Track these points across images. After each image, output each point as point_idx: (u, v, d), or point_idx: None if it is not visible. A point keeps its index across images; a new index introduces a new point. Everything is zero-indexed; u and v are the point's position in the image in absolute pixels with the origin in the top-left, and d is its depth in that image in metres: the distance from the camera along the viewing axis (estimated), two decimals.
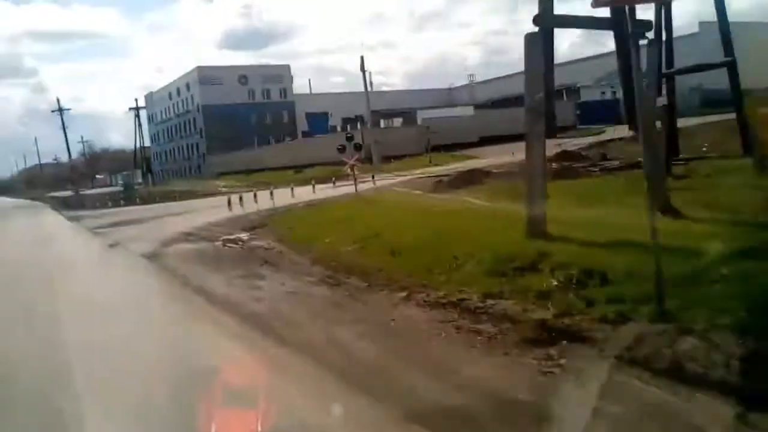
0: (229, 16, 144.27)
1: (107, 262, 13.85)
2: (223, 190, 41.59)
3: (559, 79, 69.28)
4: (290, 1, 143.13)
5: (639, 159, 11.72)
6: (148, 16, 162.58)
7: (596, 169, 22.37)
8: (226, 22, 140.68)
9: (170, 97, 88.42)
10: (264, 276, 9.92)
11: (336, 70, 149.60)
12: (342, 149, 24.30)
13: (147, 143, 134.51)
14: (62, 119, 68.48)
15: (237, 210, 21.66)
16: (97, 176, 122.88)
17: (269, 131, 78.73)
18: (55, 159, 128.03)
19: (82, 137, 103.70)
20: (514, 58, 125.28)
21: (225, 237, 15.73)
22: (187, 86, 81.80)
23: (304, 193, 24.52)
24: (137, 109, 68.86)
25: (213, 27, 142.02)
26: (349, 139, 24.61)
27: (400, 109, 79.84)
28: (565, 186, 16.22)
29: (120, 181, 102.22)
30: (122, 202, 41.03)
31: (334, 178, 30.36)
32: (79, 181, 75.94)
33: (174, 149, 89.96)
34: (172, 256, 13.57)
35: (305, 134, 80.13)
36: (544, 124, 7.95)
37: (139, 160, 75.92)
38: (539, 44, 8.04)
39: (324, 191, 26.03)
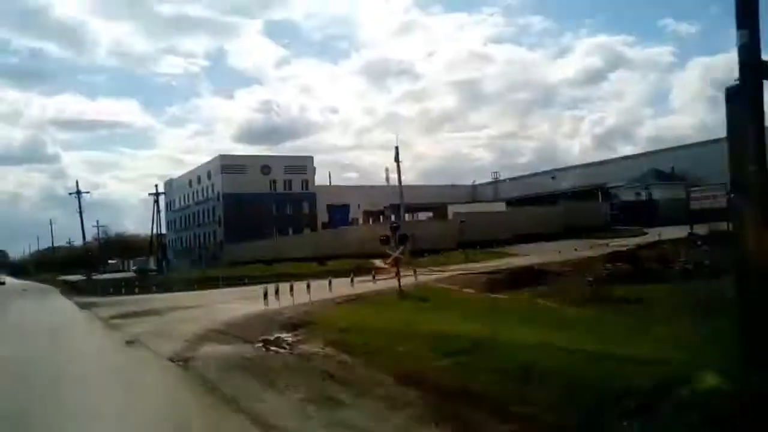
0: (248, 112, 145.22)
1: (127, 368, 11.27)
2: (246, 280, 39.36)
3: (588, 180, 68.86)
4: (307, 100, 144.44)
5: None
6: (170, 109, 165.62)
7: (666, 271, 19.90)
8: (244, 117, 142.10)
9: (190, 185, 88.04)
10: (342, 402, 7.37)
11: (350, 166, 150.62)
12: (385, 240, 22.12)
13: (163, 230, 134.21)
14: (79, 201, 67.76)
15: (269, 303, 19.22)
16: (110, 261, 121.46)
17: (289, 222, 77.40)
18: (69, 242, 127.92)
19: (97, 221, 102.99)
20: (524, 161, 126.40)
21: (264, 337, 13.27)
22: (209, 174, 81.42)
23: (342, 287, 22.08)
24: (157, 194, 68.07)
25: (231, 121, 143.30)
26: (395, 228, 22.44)
27: (429, 203, 78.54)
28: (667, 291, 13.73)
29: (133, 267, 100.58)
30: (137, 289, 38.65)
31: (374, 272, 28.09)
32: (91, 265, 74.04)
33: (190, 237, 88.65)
34: (206, 360, 11.04)
35: (325, 226, 78.84)
36: (758, 206, 5.68)
37: (155, 245, 74.23)
38: (746, 98, 5.92)
39: (363, 285, 23.61)
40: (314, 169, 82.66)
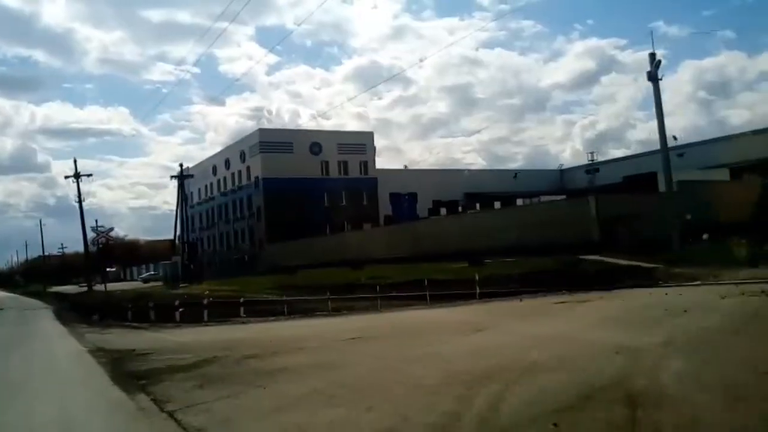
0: (239, 119, 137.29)
1: None
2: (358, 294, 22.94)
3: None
4: (299, 106, 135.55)
5: None
6: (160, 117, 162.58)
7: None
8: (236, 124, 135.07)
9: (214, 172, 70.81)
10: None
11: None
12: None
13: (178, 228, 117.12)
14: (78, 187, 50.54)
15: None
16: (109, 269, 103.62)
17: (341, 214, 60.34)
18: (61, 248, 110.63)
19: (95, 221, 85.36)
20: (515, 165, 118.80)
21: None
22: (242, 155, 64.20)
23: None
24: (182, 177, 50.78)
25: (222, 128, 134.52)
26: None
27: (506, 192, 61.87)
28: None
29: (141, 276, 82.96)
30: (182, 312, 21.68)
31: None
32: (88, 274, 56.59)
33: (215, 237, 71.31)
34: None
35: (388, 219, 61.98)
36: None
37: (177, 247, 56.83)
38: None
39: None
40: (374, 148, 65.66)
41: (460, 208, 62.34)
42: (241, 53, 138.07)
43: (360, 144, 64.00)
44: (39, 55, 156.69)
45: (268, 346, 11.39)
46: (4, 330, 22.37)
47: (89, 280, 51.30)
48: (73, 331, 19.29)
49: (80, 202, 50.24)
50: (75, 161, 51.14)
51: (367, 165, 64.31)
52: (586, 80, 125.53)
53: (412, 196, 65.60)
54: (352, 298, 22.20)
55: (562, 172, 75.05)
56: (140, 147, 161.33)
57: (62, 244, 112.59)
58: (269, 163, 59.61)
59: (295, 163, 59.47)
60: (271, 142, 60.43)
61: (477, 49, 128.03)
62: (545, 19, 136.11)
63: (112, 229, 28.96)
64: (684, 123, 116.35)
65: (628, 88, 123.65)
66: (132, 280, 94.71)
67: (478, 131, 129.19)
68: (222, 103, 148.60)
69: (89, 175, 50.69)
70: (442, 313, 16.35)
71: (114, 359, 11.49)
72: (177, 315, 21.13)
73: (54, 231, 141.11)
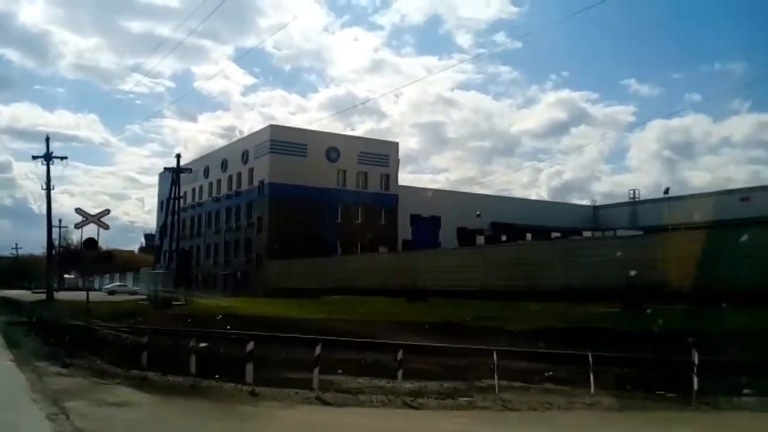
0: (210, 137, 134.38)
1: None
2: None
3: None
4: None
5: None
6: (130, 127, 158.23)
7: None
8: (207, 141, 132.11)
9: (206, 174, 61.33)
10: None
11: None
12: None
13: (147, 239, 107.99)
14: (48, 171, 40.82)
15: None
16: (66, 276, 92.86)
17: (356, 235, 51.58)
18: (14, 249, 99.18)
19: (59, 221, 75.06)
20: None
21: None
22: (244, 156, 55.00)
23: None
24: (178, 170, 41.36)
25: (192, 144, 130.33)
26: None
27: (536, 225, 54.29)
28: None
29: (107, 285, 72.38)
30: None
31: None
32: (49, 277, 46.43)
33: (201, 248, 61.38)
34: None
35: (406, 245, 53.67)
36: None
37: (160, 254, 46.86)
38: None
39: None
40: (398, 161, 57.17)
41: (483, 239, 54.50)
42: (218, 71, 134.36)
43: (383, 155, 55.46)
44: (12, 55, 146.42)
45: None
46: None
47: (49, 286, 41.23)
48: (38, 384, 10.14)
49: (48, 188, 40.65)
50: (47, 139, 41.48)
51: (389, 179, 55.72)
52: (557, 130, 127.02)
53: (435, 221, 57.39)
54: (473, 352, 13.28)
55: (596, 209, 67.58)
56: (107, 156, 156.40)
57: (16, 244, 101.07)
58: (279, 165, 50.58)
59: (308, 169, 50.58)
60: (283, 142, 51.49)
61: (453, 90, 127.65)
62: (522, 67, 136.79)
63: (108, 211, 19.66)
64: (647, 180, 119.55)
65: (597, 140, 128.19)
66: (93, 290, 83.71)
67: (446, 170, 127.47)
68: (194, 119, 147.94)
69: (63, 158, 41.05)
70: None
71: None
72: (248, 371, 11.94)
73: (7, 234, 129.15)
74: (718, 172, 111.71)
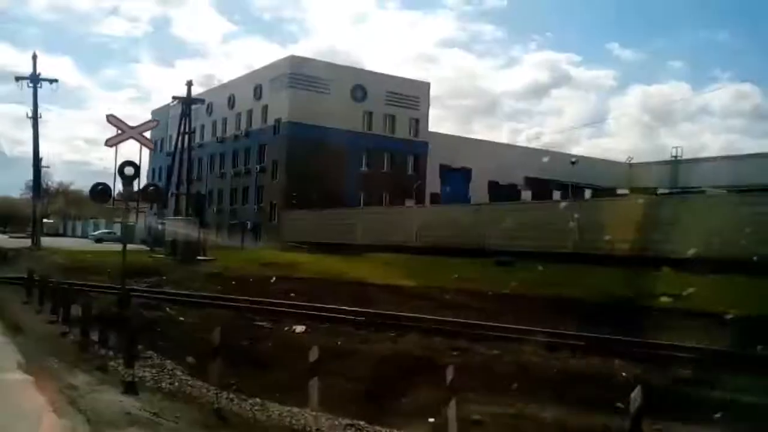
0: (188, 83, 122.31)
1: None
2: None
3: None
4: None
5: None
6: (106, 72, 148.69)
7: None
8: (184, 88, 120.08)
9: (209, 111, 54.71)
10: None
11: None
12: None
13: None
14: (36, 115, 34.30)
15: None
16: (46, 220, 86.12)
17: (381, 185, 46.08)
18: None
19: (36, 150, 68.26)
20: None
21: None
22: (257, 91, 48.53)
23: None
24: (189, 101, 34.97)
25: (169, 91, 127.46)
26: None
27: (569, 181, 49.22)
28: None
29: (94, 232, 66.31)
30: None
31: None
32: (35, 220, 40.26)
33: (208, 193, 55.20)
34: None
35: (434, 198, 48.34)
36: None
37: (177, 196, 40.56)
38: None
39: None
40: (428, 104, 51.08)
41: (529, 194, 49.23)
42: (199, 17, 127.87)
43: (413, 96, 49.30)
44: None
45: None
46: None
47: (35, 230, 35.34)
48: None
49: (35, 116, 34.13)
50: (34, 57, 34.80)
51: (418, 124, 49.77)
52: (538, 91, 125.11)
53: (466, 172, 51.81)
54: None
55: (631, 166, 62.37)
56: (81, 100, 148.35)
57: None
58: (298, 102, 44.31)
59: (330, 109, 44.34)
60: (304, 76, 45.09)
61: (436, 47, 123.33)
62: (505, 26, 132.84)
63: (156, 122, 13.82)
64: (626, 146, 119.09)
65: (577, 103, 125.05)
66: (76, 236, 77.27)
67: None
68: (171, 66, 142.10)
69: (54, 81, 34.50)
70: None
71: None
72: None
73: None
74: (693, 140, 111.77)
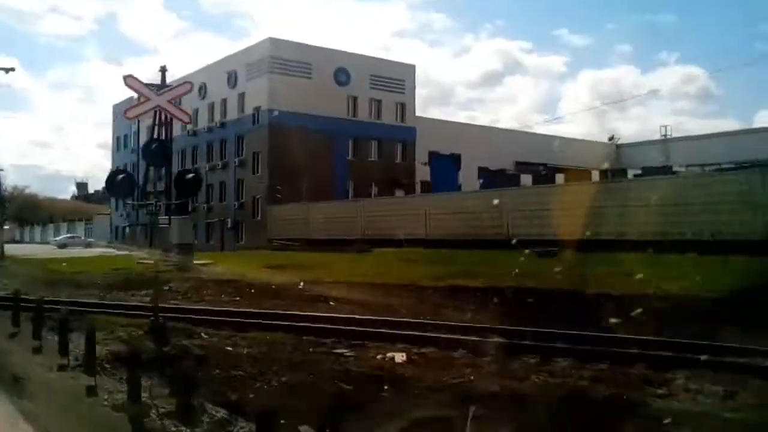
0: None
1: None
2: None
3: None
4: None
5: None
6: (51, 72, 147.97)
7: None
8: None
9: (177, 103, 50.76)
10: None
11: None
12: None
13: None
14: None
15: None
16: (5, 227, 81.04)
17: (370, 174, 43.54)
18: None
19: None
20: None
21: None
22: (231, 78, 45.08)
23: None
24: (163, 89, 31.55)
25: (117, 91, 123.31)
26: None
27: (559, 165, 47.80)
28: None
29: (55, 238, 61.93)
30: None
31: None
32: None
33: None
34: None
35: (425, 186, 46.16)
36: None
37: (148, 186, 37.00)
38: None
39: None
40: (414, 87, 48.40)
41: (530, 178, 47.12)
42: (146, 14, 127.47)
43: (398, 80, 46.55)
44: None
45: None
46: None
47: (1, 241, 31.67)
48: None
49: None
50: None
51: (404, 109, 47.07)
52: (491, 79, 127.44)
53: (455, 158, 49.55)
54: None
55: (618, 147, 61.06)
56: (27, 102, 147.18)
57: None
58: (279, 88, 41.10)
59: (313, 94, 41.26)
60: (283, 60, 41.88)
61: (391, 37, 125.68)
62: (455, 14, 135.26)
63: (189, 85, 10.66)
64: (578, 130, 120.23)
65: (530, 90, 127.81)
66: (35, 243, 72.29)
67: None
68: (119, 64, 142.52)
69: (10, 69, 30.57)
70: None
71: None
72: None
73: None
74: (643, 122, 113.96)
